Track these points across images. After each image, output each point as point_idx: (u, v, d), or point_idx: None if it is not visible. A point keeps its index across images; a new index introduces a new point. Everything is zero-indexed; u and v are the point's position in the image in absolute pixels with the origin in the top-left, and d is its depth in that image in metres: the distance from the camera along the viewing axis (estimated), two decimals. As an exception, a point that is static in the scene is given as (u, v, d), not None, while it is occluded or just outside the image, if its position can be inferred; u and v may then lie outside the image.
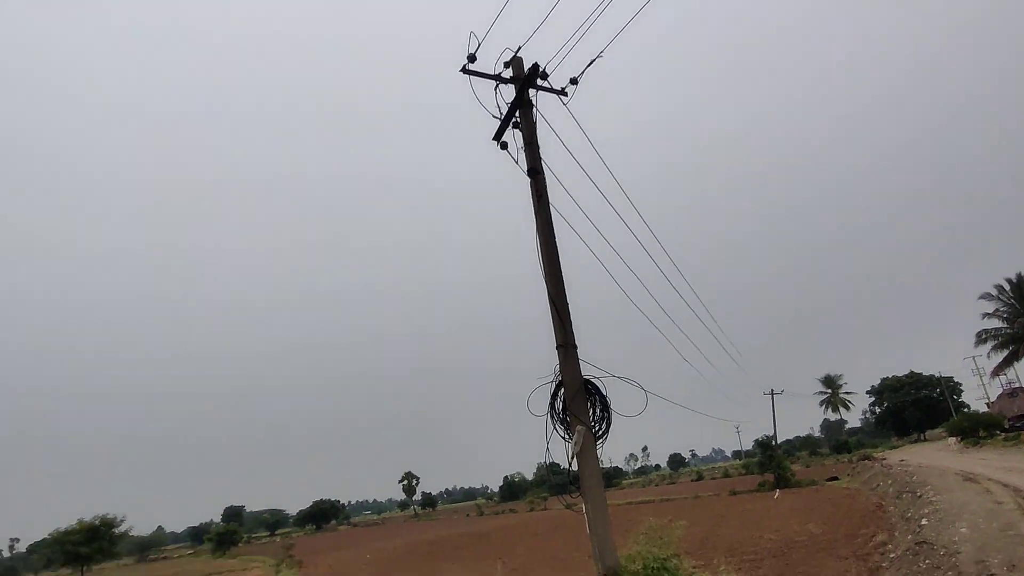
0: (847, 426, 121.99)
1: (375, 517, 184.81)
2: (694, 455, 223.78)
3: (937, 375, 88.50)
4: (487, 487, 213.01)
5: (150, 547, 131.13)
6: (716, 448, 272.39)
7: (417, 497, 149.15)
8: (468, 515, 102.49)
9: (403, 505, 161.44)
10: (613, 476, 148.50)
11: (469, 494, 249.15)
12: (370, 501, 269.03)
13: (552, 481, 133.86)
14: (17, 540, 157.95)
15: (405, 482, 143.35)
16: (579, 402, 6.61)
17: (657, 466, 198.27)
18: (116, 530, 50.61)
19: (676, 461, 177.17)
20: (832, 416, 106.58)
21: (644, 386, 7.04)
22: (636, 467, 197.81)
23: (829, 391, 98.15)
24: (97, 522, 49.44)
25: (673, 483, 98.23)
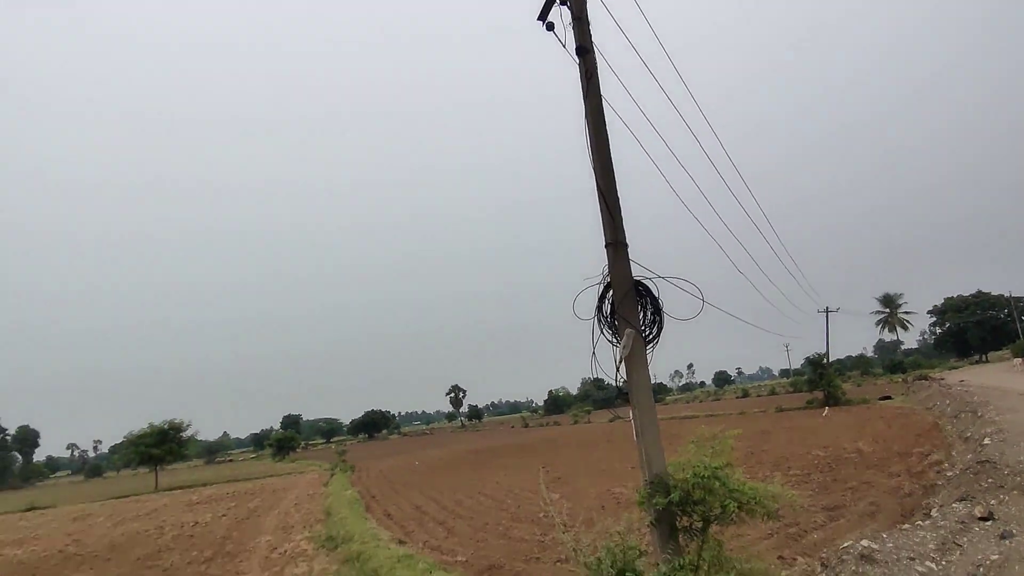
0: (903, 347, 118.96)
1: (424, 427, 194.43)
2: (740, 373, 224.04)
3: (1007, 295, 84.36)
4: (532, 401, 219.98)
5: (217, 451, 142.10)
6: (763, 367, 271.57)
7: (464, 409, 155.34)
8: (513, 427, 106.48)
9: (450, 416, 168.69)
10: (657, 392, 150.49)
11: (514, 407, 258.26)
12: (419, 412, 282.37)
13: (597, 396, 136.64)
14: (100, 442, 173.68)
15: (452, 395, 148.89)
16: (628, 304, 6.20)
17: (702, 383, 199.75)
18: (183, 434, 54.72)
19: (721, 379, 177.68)
20: (887, 337, 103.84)
21: (698, 292, 6.56)
22: (681, 384, 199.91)
23: (887, 311, 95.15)
24: (166, 426, 53.49)
25: (718, 399, 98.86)
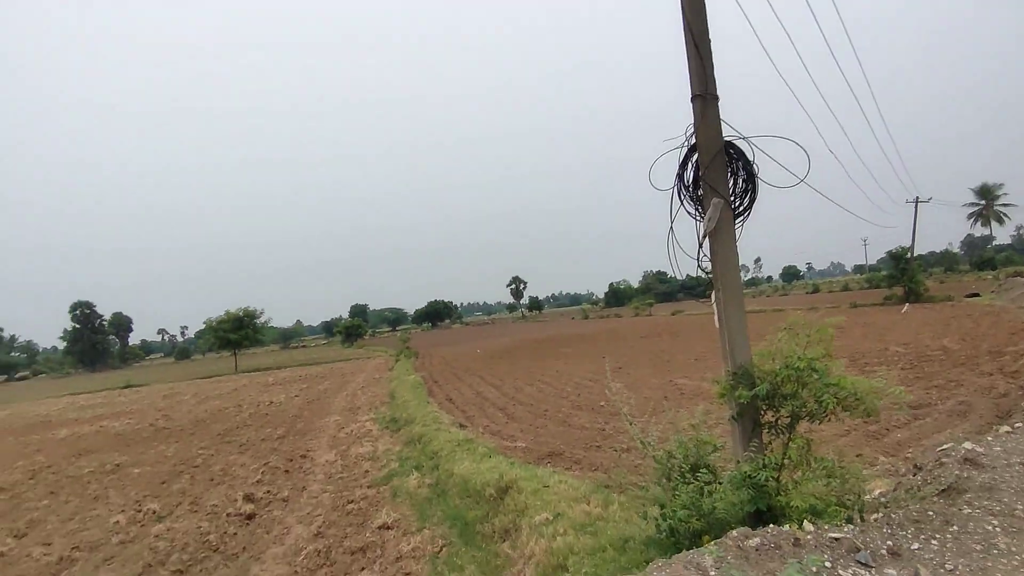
0: (994, 243, 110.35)
1: (485, 318, 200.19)
2: (810, 268, 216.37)
3: None
4: (592, 293, 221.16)
5: (291, 337, 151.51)
6: (835, 262, 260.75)
7: (524, 301, 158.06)
8: (573, 318, 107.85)
9: (511, 308, 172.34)
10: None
11: (575, 299, 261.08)
12: (480, 304, 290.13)
13: (659, 289, 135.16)
14: (186, 328, 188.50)
15: (513, 286, 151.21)
16: (717, 168, 5.23)
17: (769, 278, 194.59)
18: (257, 321, 58.10)
19: (790, 274, 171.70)
20: (978, 232, 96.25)
21: (804, 153, 5.49)
22: (746, 278, 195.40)
23: (982, 202, 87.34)
24: (241, 314, 56.82)
25: (786, 295, 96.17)
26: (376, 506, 9.64)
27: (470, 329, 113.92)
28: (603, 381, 20.69)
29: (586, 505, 7.12)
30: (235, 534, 9.08)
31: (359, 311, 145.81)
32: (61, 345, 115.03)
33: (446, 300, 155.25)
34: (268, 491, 11.18)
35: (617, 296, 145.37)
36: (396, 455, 12.80)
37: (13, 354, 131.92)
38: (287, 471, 12.80)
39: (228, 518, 9.75)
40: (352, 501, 9.95)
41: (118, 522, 10.14)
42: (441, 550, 7.55)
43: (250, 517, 9.80)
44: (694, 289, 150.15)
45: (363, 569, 7.29)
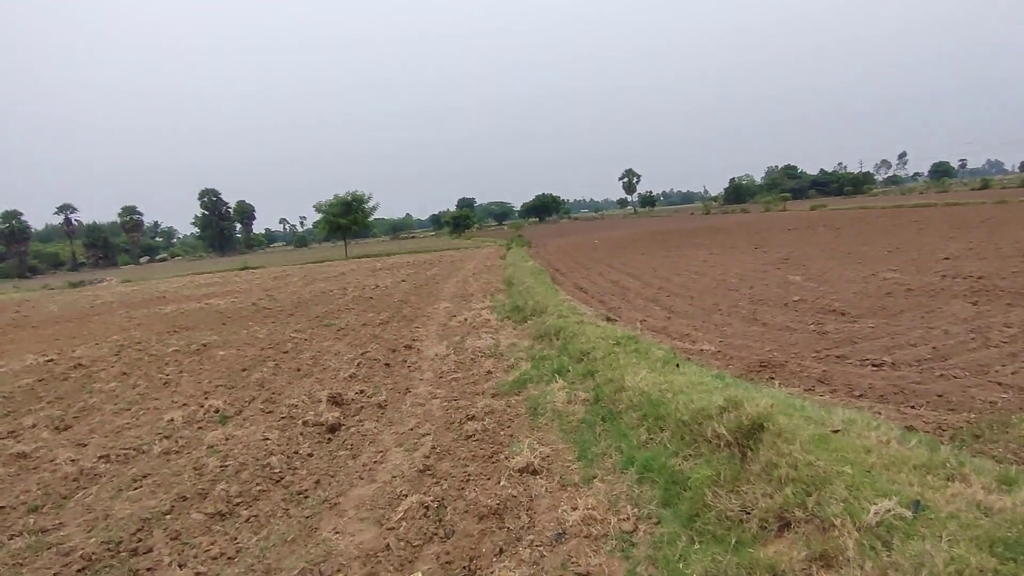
0: None
1: (593, 214, 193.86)
2: (963, 166, 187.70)
3: None
4: (706, 191, 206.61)
5: (400, 229, 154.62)
6: (992, 160, 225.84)
7: (635, 197, 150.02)
8: (692, 214, 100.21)
9: (621, 203, 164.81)
10: (861, 182, 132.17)
11: (687, 198, 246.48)
12: (587, 201, 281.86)
13: (786, 184, 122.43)
14: (304, 218, 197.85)
15: (625, 180, 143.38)
16: None
17: (916, 175, 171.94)
18: (366, 205, 57.13)
19: (940, 171, 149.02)
20: None
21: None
22: (886, 176, 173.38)
23: None
24: (349, 198, 56.00)
25: (944, 191, 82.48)
26: (509, 428, 6.49)
27: (579, 223, 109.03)
28: (771, 273, 16.42)
29: (964, 487, 3.42)
30: (309, 456, 6.28)
31: (466, 204, 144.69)
32: (192, 229, 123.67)
33: (554, 194, 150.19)
34: (361, 391, 8.40)
35: (739, 193, 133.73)
36: (525, 352, 9.63)
37: (157, 239, 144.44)
38: (388, 364, 10.05)
39: (305, 429, 7.00)
40: (473, 417, 6.85)
41: (172, 421, 7.75)
42: (635, 529, 4.25)
43: (333, 430, 7.00)
44: (826, 186, 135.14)
45: (500, 553, 4.13)
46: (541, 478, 5.14)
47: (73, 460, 6.64)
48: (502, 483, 5.05)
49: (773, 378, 6.89)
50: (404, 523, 4.57)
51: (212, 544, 4.61)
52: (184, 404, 8.57)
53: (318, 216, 58.48)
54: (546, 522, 4.45)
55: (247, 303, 21.61)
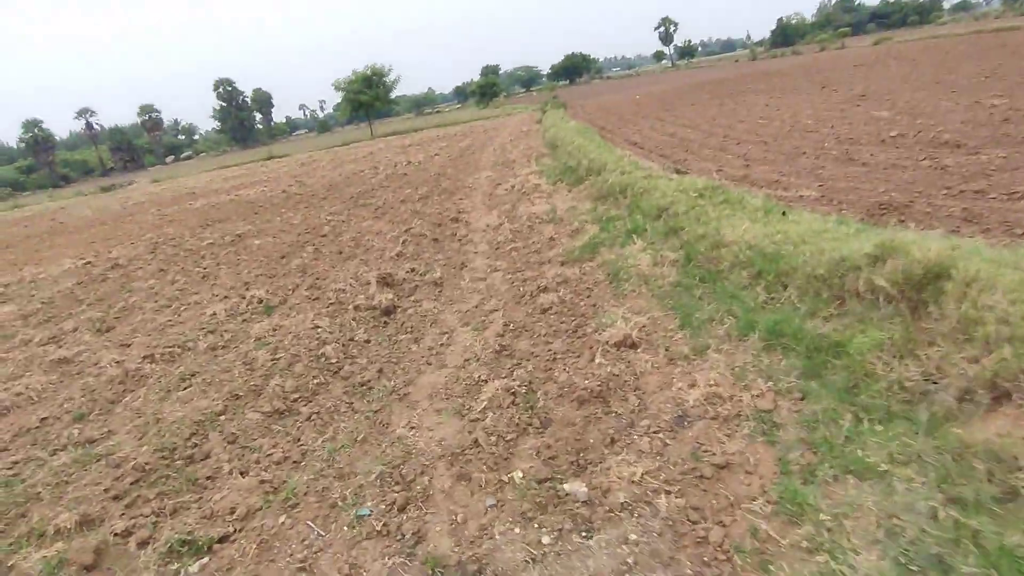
0: None
1: (627, 71, 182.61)
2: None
3: None
4: (749, 36, 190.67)
5: (424, 104, 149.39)
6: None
7: (671, 51, 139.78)
8: (737, 61, 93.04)
9: (658, 56, 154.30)
10: (927, 10, 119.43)
11: (727, 46, 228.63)
12: (619, 58, 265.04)
13: (843, 20, 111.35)
14: (324, 102, 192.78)
15: (661, 29, 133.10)
16: None
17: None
18: (386, 79, 54.40)
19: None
20: None
21: None
22: (955, 1, 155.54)
23: None
24: (369, 72, 53.24)
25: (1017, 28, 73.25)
26: (589, 298, 5.72)
27: (613, 83, 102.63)
28: (850, 111, 14.72)
29: None
30: (366, 343, 5.69)
31: (490, 71, 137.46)
32: (213, 124, 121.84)
33: (584, 53, 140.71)
34: (412, 269, 7.69)
35: (787, 35, 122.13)
36: (589, 215, 8.68)
37: (179, 137, 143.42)
38: (436, 239, 9.29)
39: (357, 314, 6.38)
40: (546, 288, 6.08)
41: (215, 315, 7.25)
42: (775, 407, 3.49)
43: (388, 312, 6.36)
44: (887, 17, 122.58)
45: (612, 443, 3.47)
46: (643, 352, 4.39)
47: (117, 362, 6.23)
48: (597, 360, 4.33)
49: (903, 220, 5.83)
50: (490, 413, 3.93)
51: (274, 447, 4.09)
52: (225, 296, 8.05)
53: (339, 98, 56.17)
54: (660, 403, 3.74)
55: (277, 191, 20.91)
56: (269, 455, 3.99)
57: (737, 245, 5.30)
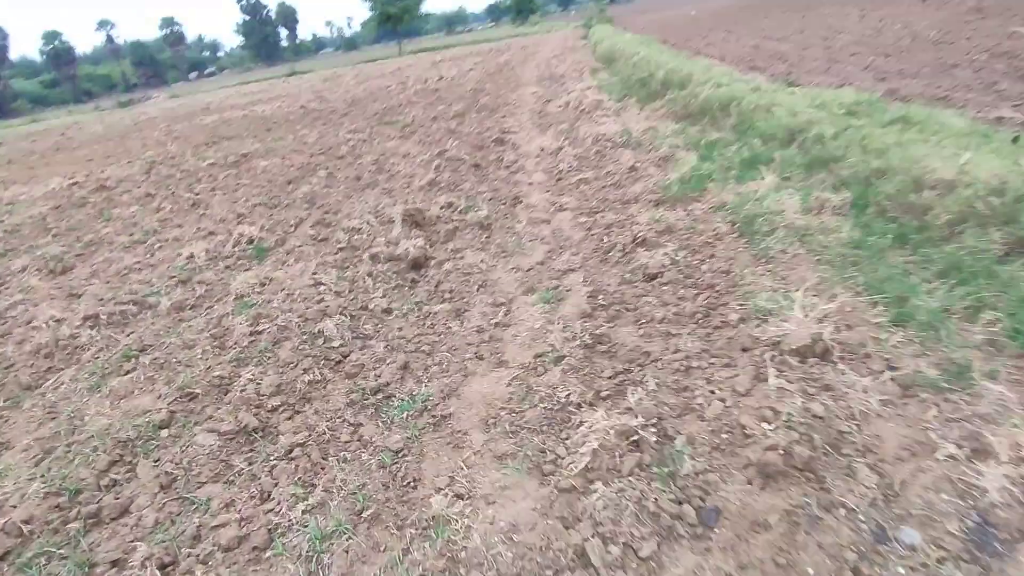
0: None
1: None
2: None
3: None
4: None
5: (455, 23, 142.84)
6: None
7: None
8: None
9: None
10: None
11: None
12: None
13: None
14: (351, 18, 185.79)
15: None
16: None
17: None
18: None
19: None
20: None
21: None
22: None
23: None
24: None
25: None
26: (711, 257, 3.88)
27: (659, 1, 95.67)
28: (974, 22, 12.15)
29: None
30: (385, 314, 3.96)
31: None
32: (238, 40, 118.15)
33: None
34: (449, 204, 5.85)
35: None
36: (678, 138, 6.71)
37: (204, 53, 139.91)
38: (477, 165, 7.42)
39: (374, 267, 4.61)
40: (643, 241, 4.23)
41: (192, 259, 5.59)
42: None
43: (417, 266, 4.61)
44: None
45: None
46: (848, 369, 2.60)
47: (56, 321, 4.65)
48: (772, 381, 2.55)
49: None
50: (598, 485, 2.21)
51: (226, 507, 2.45)
52: (211, 232, 6.38)
53: (367, 10, 52.71)
54: (925, 489, 1.98)
55: (295, 107, 18.93)
56: (216, 527, 2.36)
57: (966, 187, 3.38)
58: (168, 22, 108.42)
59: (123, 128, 23.98)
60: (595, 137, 7.41)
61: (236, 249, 5.61)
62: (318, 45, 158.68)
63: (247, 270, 5.09)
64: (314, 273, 4.69)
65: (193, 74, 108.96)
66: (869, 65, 8.86)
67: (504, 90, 14.06)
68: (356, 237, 5.37)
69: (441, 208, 5.78)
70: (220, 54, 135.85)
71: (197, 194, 8.56)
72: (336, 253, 5.11)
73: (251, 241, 5.71)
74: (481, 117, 10.77)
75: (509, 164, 7.25)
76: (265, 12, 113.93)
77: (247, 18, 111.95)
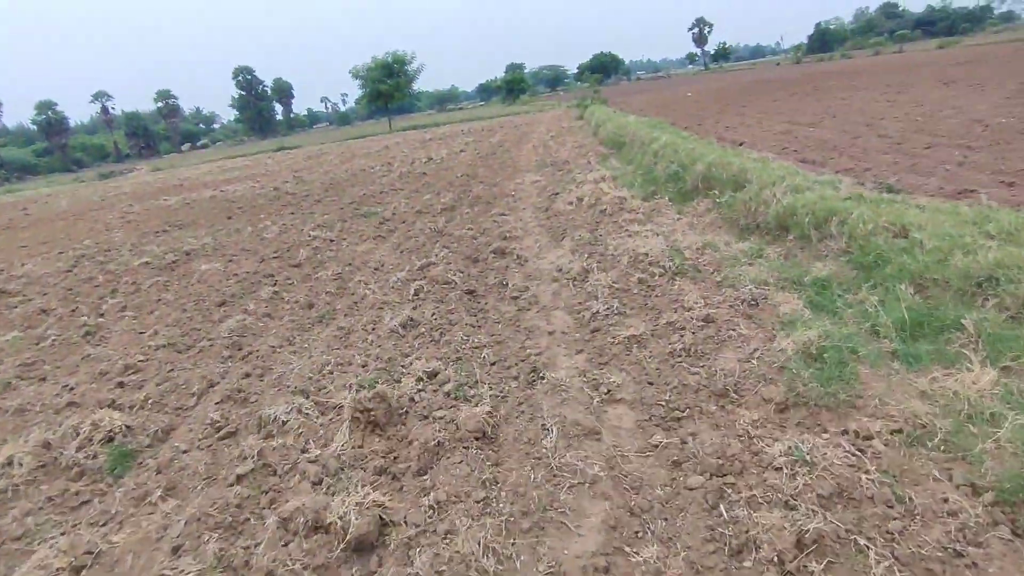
0: None
1: (656, 73, 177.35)
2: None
3: None
4: (780, 42, 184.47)
5: (446, 100, 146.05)
6: None
7: (701, 54, 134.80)
8: (778, 64, 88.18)
9: (690, 58, 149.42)
10: (977, 18, 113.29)
11: (756, 52, 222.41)
12: (645, 61, 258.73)
13: (885, 27, 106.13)
14: (346, 95, 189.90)
15: (695, 30, 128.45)
16: None
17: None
18: (408, 67, 50.54)
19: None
20: None
21: None
22: (1002, 9, 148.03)
23: None
24: (390, 59, 49.41)
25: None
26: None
27: (645, 83, 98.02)
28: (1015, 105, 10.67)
29: None
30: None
31: (515, 69, 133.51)
32: (233, 114, 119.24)
33: (612, 52, 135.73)
34: (431, 372, 3.75)
35: (825, 40, 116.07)
36: (755, 263, 4.76)
37: (199, 125, 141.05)
38: (471, 292, 5.40)
39: (288, 543, 2.48)
40: (802, 536, 2.14)
41: (5, 469, 3.40)
42: None
43: (366, 550, 2.46)
44: (934, 25, 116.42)
45: None
46: None
47: None
48: None
49: None
50: None
51: None
52: (69, 404, 4.20)
53: (359, 90, 52.43)
54: None
55: (268, 188, 17.12)
56: None
57: None
58: (164, 95, 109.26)
59: (87, 204, 22.06)
60: (632, 256, 5.42)
61: (80, 456, 3.41)
62: (312, 119, 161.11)
63: (73, 524, 2.90)
64: (177, 548, 2.51)
65: (185, 146, 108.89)
66: (964, 162, 7.08)
67: (500, 177, 12.30)
68: (273, 445, 3.22)
69: (417, 381, 3.67)
70: (216, 126, 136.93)
71: (101, 315, 6.43)
72: (232, 485, 2.95)
73: (110, 439, 3.53)
74: (475, 213, 8.88)
75: (517, 293, 5.21)
76: (261, 88, 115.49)
77: (242, 93, 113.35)
